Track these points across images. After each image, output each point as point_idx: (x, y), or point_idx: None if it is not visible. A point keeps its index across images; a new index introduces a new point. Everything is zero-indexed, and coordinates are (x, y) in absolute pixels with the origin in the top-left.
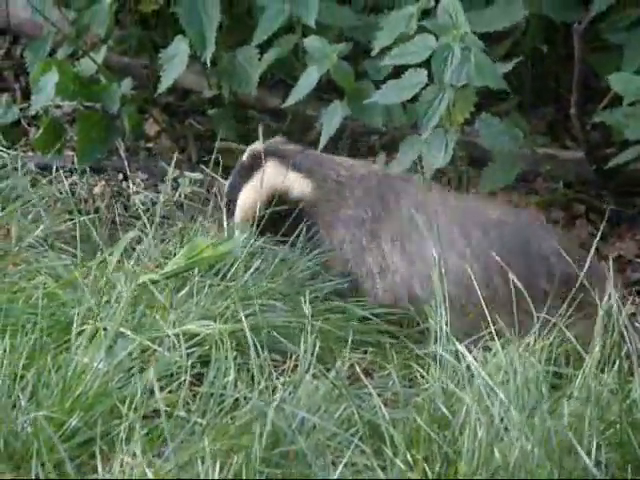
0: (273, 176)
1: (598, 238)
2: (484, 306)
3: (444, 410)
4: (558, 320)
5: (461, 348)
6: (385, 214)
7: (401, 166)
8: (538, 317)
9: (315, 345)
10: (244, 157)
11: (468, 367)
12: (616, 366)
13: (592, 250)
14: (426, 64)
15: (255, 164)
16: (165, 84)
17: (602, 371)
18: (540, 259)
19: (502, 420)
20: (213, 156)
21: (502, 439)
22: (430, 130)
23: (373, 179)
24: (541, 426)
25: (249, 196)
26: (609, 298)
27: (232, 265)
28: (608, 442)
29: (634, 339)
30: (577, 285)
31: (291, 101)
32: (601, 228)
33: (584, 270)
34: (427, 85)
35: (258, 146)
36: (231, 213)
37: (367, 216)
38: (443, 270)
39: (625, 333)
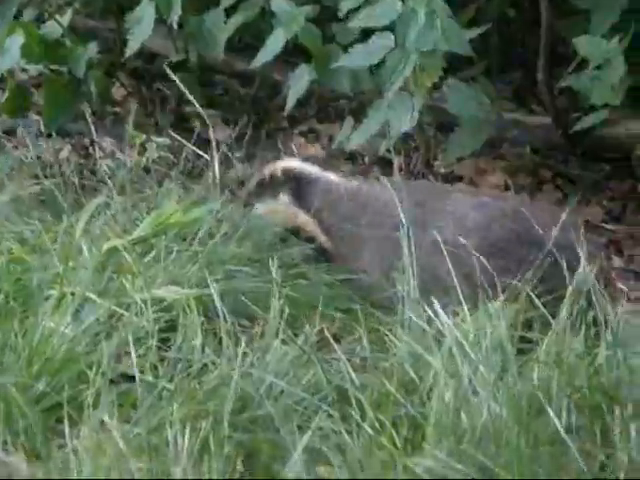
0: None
1: (563, 202)
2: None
3: (412, 374)
4: (525, 286)
5: (430, 312)
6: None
7: (368, 130)
8: (507, 283)
9: (284, 310)
10: (277, 172)
11: (437, 332)
12: (582, 331)
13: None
14: (391, 28)
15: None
16: (132, 48)
17: (569, 336)
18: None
19: (470, 382)
20: (180, 121)
21: (470, 402)
22: (394, 93)
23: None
24: (509, 389)
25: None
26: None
27: (200, 231)
28: (575, 406)
29: (601, 304)
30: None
31: (257, 63)
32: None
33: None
34: (393, 49)
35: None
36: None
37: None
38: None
39: (592, 298)
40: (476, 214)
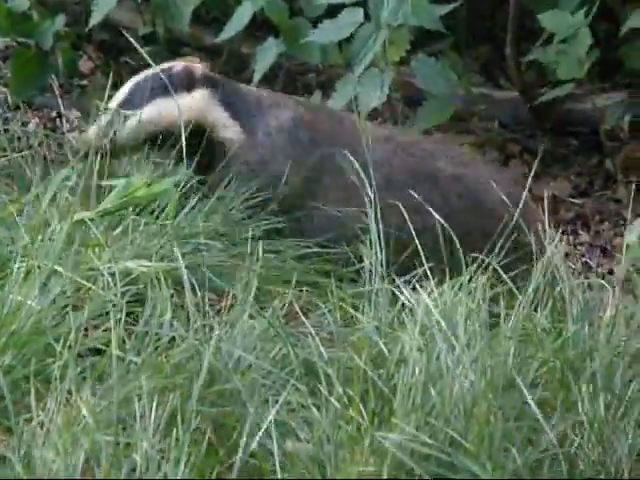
0: (199, 106)
1: (531, 178)
2: (419, 245)
3: (382, 347)
4: (492, 260)
5: (398, 285)
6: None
7: (336, 105)
8: (474, 258)
9: (252, 284)
10: (176, 68)
11: (403, 305)
12: (549, 305)
13: (525, 190)
14: (360, 3)
15: (185, 82)
16: (95, 18)
17: (535, 310)
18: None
19: (438, 357)
20: None
21: (438, 377)
22: (364, 68)
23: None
24: (477, 363)
25: (161, 111)
26: (543, 238)
27: (167, 204)
28: (541, 381)
29: (567, 279)
30: (512, 224)
31: (225, 36)
32: (534, 167)
33: (518, 209)
34: (362, 24)
35: (197, 66)
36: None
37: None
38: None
39: (559, 272)
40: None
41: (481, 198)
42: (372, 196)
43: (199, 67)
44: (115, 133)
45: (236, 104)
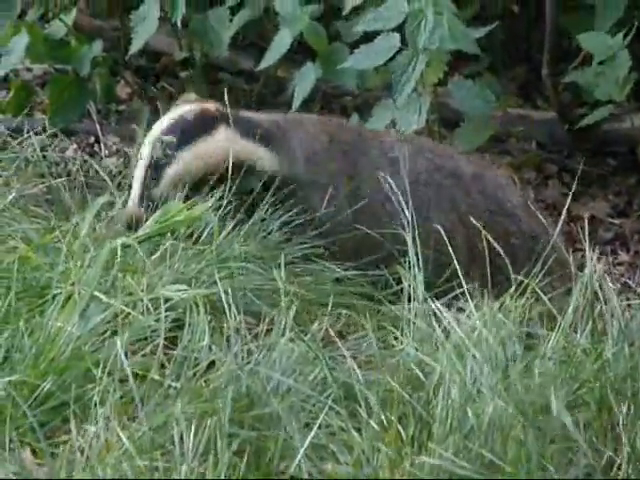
0: (224, 145)
1: (570, 198)
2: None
3: (418, 372)
4: (532, 281)
5: (436, 308)
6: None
7: (374, 129)
8: (514, 278)
9: (290, 307)
10: (191, 114)
11: (443, 328)
12: (589, 326)
13: (564, 210)
14: (397, 29)
15: (203, 125)
16: (136, 46)
17: (575, 331)
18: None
19: (475, 381)
20: None
21: (475, 400)
22: (406, 96)
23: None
24: (515, 386)
25: (191, 162)
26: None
27: (205, 228)
28: (581, 402)
29: (607, 299)
30: (550, 245)
31: (265, 64)
32: (573, 188)
33: (557, 230)
34: (400, 50)
35: (210, 105)
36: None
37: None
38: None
39: (599, 293)
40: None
41: (501, 197)
42: (410, 218)
43: (212, 106)
44: (151, 194)
45: (259, 133)
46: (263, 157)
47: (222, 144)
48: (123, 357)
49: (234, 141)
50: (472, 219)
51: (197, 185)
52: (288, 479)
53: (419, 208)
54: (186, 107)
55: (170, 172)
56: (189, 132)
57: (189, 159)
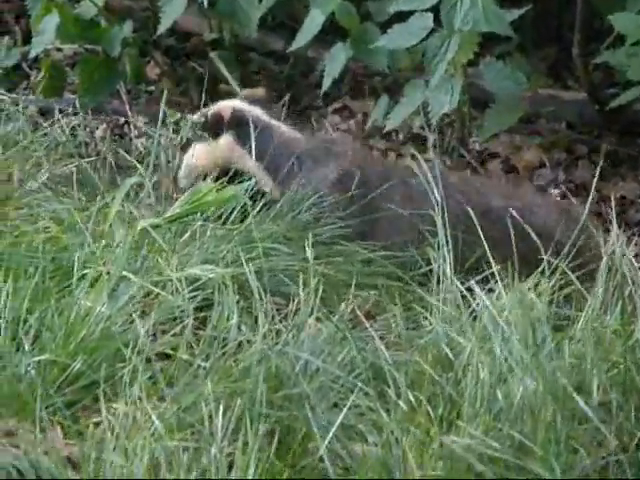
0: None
1: (599, 179)
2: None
3: (447, 352)
4: (561, 262)
5: (465, 289)
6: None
7: (406, 110)
8: (542, 259)
9: (318, 288)
10: (209, 114)
11: (472, 310)
12: (619, 307)
13: (592, 192)
14: (430, 9)
15: (213, 128)
16: (164, 25)
17: (605, 312)
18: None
19: (506, 360)
20: (213, 98)
21: (505, 380)
22: (439, 77)
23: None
24: (545, 366)
25: (196, 157)
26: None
27: (234, 209)
28: (611, 383)
29: (637, 280)
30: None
31: (296, 45)
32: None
33: (585, 212)
34: (433, 30)
35: (228, 108)
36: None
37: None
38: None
39: (627, 274)
40: None
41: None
42: (439, 199)
43: (229, 109)
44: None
45: (266, 150)
46: (261, 180)
47: (220, 152)
48: (152, 337)
49: (233, 152)
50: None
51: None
52: (317, 459)
53: None
54: (221, 104)
55: (185, 159)
56: (203, 129)
57: (195, 155)
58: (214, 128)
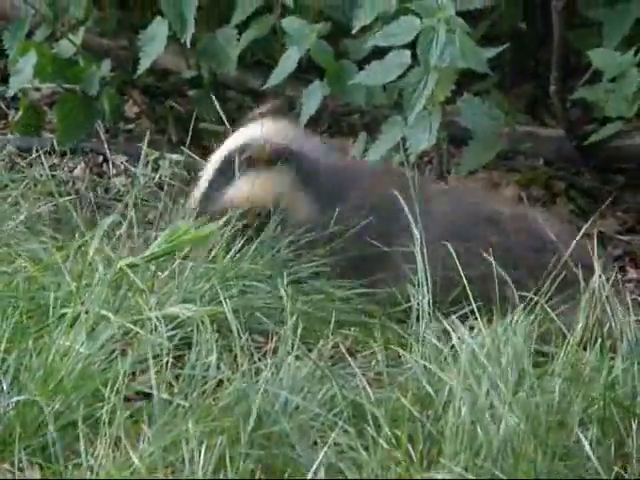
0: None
1: (578, 216)
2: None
3: (428, 389)
4: (540, 298)
5: (447, 325)
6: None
7: (384, 146)
8: (522, 295)
9: (297, 326)
10: (225, 151)
11: (452, 346)
12: (598, 343)
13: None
14: (408, 45)
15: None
16: (144, 65)
17: (585, 349)
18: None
19: (487, 396)
20: (193, 137)
21: (486, 417)
22: (416, 114)
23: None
24: (526, 403)
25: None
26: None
27: (213, 248)
28: (591, 419)
29: (616, 316)
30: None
31: (272, 82)
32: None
33: (570, 248)
34: (410, 67)
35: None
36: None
37: None
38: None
39: (608, 310)
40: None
41: (542, 235)
42: (418, 235)
43: (264, 145)
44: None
45: (310, 180)
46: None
47: (279, 188)
48: (131, 376)
49: (295, 196)
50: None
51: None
52: None
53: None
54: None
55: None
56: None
57: (245, 187)
58: (251, 165)
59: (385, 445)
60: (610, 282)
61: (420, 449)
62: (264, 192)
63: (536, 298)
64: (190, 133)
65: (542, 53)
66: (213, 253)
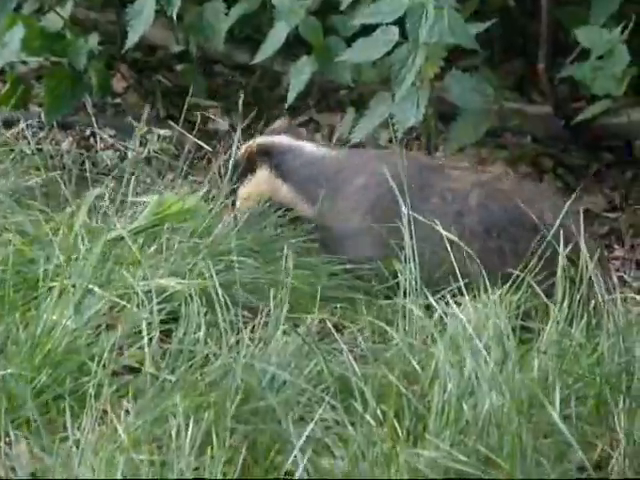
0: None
1: (564, 191)
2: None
3: (414, 365)
4: (527, 275)
5: (433, 301)
6: None
7: (372, 122)
8: (508, 272)
9: (285, 301)
10: (239, 153)
11: (439, 320)
12: (584, 320)
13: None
14: (396, 22)
15: (247, 165)
16: (132, 40)
17: (570, 325)
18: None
19: (471, 374)
20: (181, 112)
21: (472, 393)
22: (405, 90)
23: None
24: (511, 380)
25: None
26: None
27: (202, 222)
28: (577, 396)
29: (601, 293)
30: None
31: (260, 57)
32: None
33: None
34: (398, 43)
35: (255, 145)
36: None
37: None
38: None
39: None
40: (476, 193)
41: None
42: (407, 213)
43: (255, 145)
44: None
45: (301, 177)
46: (299, 205)
47: (262, 187)
48: (118, 350)
49: (271, 185)
50: None
51: None
52: (284, 474)
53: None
54: (249, 142)
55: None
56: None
57: (242, 196)
58: (249, 166)
59: (372, 421)
60: (594, 259)
61: (406, 425)
62: (257, 188)
63: (522, 275)
64: (178, 108)
65: (531, 30)
66: (202, 227)
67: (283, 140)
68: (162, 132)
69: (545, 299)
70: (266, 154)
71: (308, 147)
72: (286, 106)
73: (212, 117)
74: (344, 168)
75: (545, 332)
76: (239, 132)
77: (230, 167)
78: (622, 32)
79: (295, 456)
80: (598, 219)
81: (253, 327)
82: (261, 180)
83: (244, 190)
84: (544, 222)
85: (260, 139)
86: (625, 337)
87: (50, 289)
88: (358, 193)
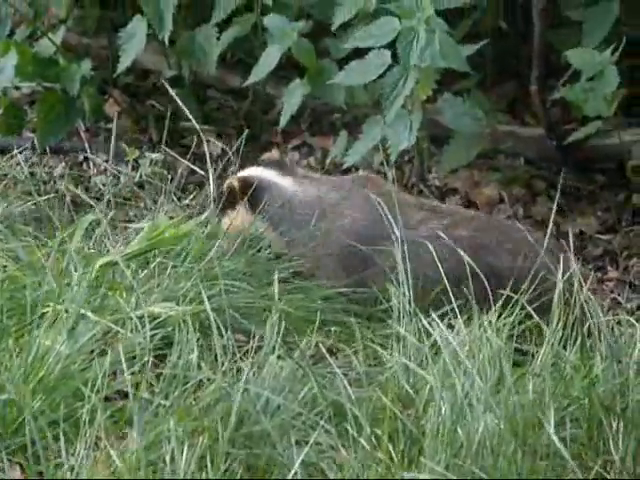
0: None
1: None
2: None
3: (408, 388)
4: (520, 297)
5: (427, 324)
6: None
7: (365, 146)
8: (501, 294)
9: (279, 325)
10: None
11: (432, 345)
12: (578, 342)
13: (550, 225)
14: (388, 45)
15: (229, 199)
16: (124, 64)
17: (564, 347)
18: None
19: (467, 396)
20: (173, 136)
21: (466, 416)
22: (395, 113)
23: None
24: (505, 402)
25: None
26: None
27: (194, 247)
28: (571, 418)
29: (595, 315)
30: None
31: (252, 80)
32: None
33: (544, 247)
34: (390, 66)
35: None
36: None
37: None
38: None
39: (586, 309)
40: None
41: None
42: (399, 235)
43: (239, 179)
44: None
45: (276, 214)
46: (274, 241)
47: (238, 221)
48: (112, 375)
49: (246, 221)
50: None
51: None
52: None
53: None
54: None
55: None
56: (221, 202)
57: (223, 227)
58: (230, 200)
59: (366, 445)
60: (588, 282)
61: (401, 448)
62: (235, 222)
63: (516, 297)
64: (170, 132)
65: (523, 52)
66: (194, 251)
67: (265, 175)
68: (154, 156)
69: (540, 321)
70: (245, 189)
71: (285, 182)
72: (279, 129)
73: (208, 140)
74: (312, 207)
75: (539, 354)
76: (231, 156)
77: (212, 200)
78: (612, 53)
79: None
80: (591, 241)
81: (247, 351)
82: (238, 214)
83: (225, 222)
84: (498, 267)
85: (242, 173)
86: (618, 359)
87: (43, 315)
88: (324, 237)
